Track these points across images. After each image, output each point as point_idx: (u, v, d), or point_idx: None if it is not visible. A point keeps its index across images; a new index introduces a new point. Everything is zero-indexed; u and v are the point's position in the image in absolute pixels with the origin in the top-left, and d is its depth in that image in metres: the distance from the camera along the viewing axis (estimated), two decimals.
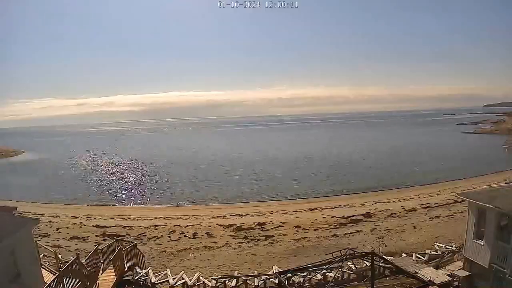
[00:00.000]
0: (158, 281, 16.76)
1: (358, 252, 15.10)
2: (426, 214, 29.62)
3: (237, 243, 24.96)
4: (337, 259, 13.92)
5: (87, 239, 26.46)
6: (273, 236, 26.17)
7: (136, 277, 16.84)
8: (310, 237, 25.54)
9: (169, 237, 26.80)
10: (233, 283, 16.80)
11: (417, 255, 19.10)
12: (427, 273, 15.48)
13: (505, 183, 35.90)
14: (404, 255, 19.49)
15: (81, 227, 29.70)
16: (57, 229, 28.86)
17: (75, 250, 21.85)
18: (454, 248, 19.19)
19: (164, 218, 32.54)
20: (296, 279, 16.89)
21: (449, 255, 18.77)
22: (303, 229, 27.48)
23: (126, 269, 16.38)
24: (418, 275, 14.68)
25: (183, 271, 18.04)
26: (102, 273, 15.05)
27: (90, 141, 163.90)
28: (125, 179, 56.88)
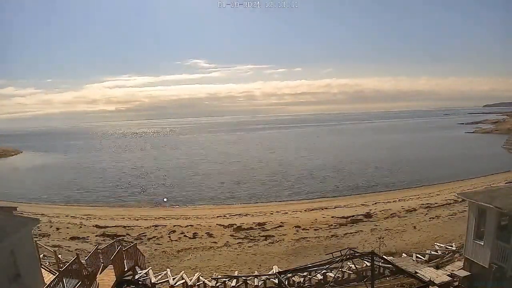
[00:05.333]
0: (158, 281, 16.74)
1: (358, 252, 15.07)
2: (426, 214, 29.61)
3: (237, 243, 24.96)
4: (337, 259, 13.89)
5: (87, 239, 26.46)
6: (273, 236, 26.17)
7: (136, 277, 16.84)
8: (310, 237, 25.53)
9: (169, 237, 26.80)
10: (233, 283, 16.79)
11: (417, 255, 19.06)
12: (427, 273, 15.44)
13: (505, 183, 35.88)
14: (404, 255, 19.49)
15: (81, 227, 29.69)
16: (57, 229, 28.87)
17: (75, 250, 21.85)
18: (454, 248, 19.15)
19: (164, 218, 32.54)
20: (296, 279, 16.87)
21: (449, 255, 18.73)
22: (303, 229, 27.47)
23: (126, 269, 16.38)
24: (418, 275, 14.66)
25: (183, 271, 18.02)
26: (102, 273, 15.04)
27: (89, 141, 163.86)
28: (125, 180, 56.80)
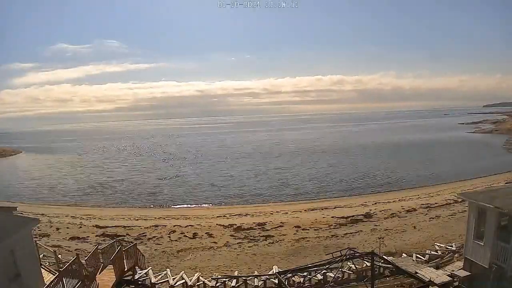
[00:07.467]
0: (158, 281, 16.74)
1: (358, 252, 15.11)
2: (426, 214, 29.61)
3: (237, 243, 24.97)
4: (337, 259, 13.93)
5: (87, 239, 26.46)
6: (273, 236, 26.17)
7: (136, 277, 16.83)
8: (310, 237, 25.53)
9: (169, 237, 26.80)
10: (233, 283, 16.80)
11: (417, 255, 19.06)
12: (427, 273, 15.44)
13: (505, 183, 35.89)
14: (404, 255, 19.47)
15: (81, 227, 29.69)
16: (57, 229, 28.86)
17: (75, 250, 21.83)
18: (454, 248, 19.16)
19: (164, 218, 32.55)
20: (296, 279, 16.88)
21: (449, 255, 18.74)
22: (303, 229, 27.47)
23: (126, 269, 16.37)
24: (418, 275, 14.68)
25: (183, 271, 18.03)
26: (101, 273, 15.04)
27: (89, 141, 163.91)
28: (125, 179, 56.79)
